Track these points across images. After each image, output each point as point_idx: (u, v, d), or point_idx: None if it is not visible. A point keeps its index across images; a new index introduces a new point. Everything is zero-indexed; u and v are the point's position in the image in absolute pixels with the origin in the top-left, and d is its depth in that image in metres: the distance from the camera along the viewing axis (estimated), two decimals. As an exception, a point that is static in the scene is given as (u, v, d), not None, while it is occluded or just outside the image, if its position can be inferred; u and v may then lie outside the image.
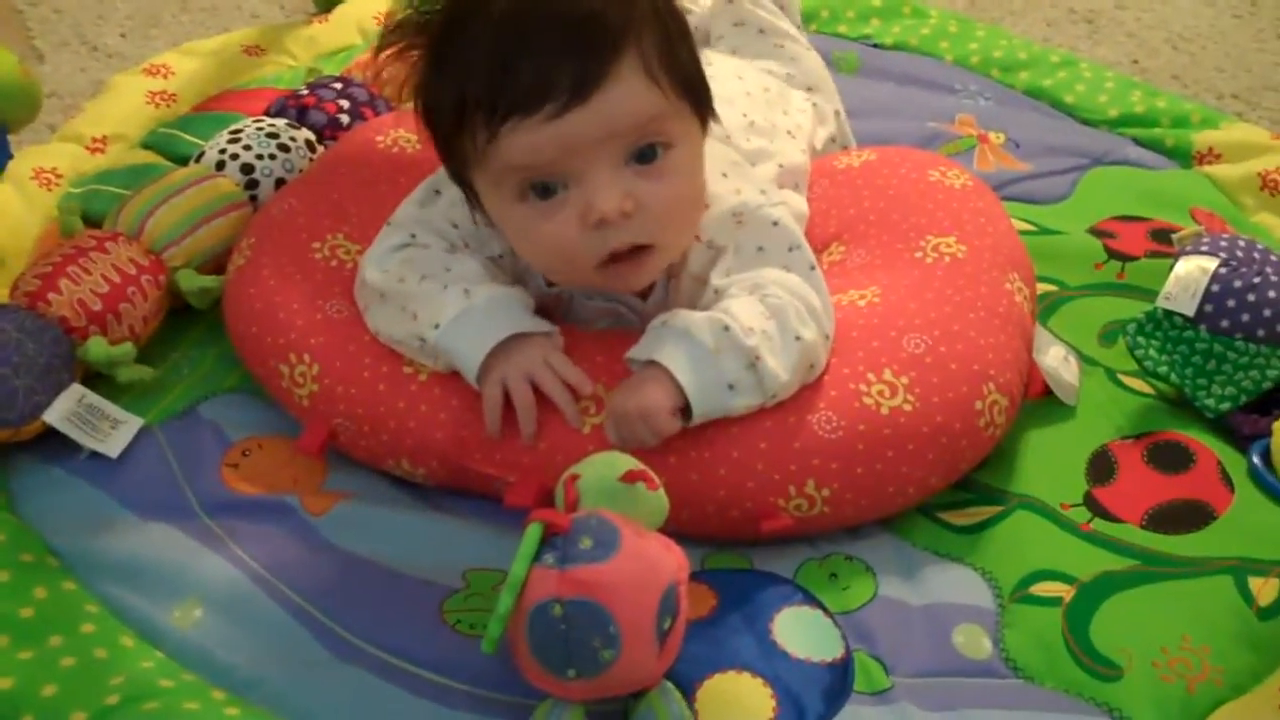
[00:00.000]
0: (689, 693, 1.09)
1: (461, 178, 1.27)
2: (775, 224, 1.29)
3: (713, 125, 1.29)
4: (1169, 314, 1.39)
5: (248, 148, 1.59)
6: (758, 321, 1.21)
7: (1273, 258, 1.39)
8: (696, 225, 1.28)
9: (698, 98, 1.24)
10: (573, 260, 1.22)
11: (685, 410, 1.19)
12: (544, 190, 1.19)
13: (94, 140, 1.76)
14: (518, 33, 1.15)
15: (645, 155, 1.19)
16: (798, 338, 1.22)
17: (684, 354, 1.19)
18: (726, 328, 1.19)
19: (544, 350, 1.25)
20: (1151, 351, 1.38)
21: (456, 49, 1.19)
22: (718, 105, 1.29)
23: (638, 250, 1.21)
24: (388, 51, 1.27)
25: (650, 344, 1.21)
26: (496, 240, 1.33)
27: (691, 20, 1.38)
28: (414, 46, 1.26)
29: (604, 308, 1.34)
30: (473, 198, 1.28)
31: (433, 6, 1.25)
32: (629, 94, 1.16)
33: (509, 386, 1.23)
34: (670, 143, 1.20)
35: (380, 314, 1.30)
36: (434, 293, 1.27)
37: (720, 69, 1.53)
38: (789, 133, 1.54)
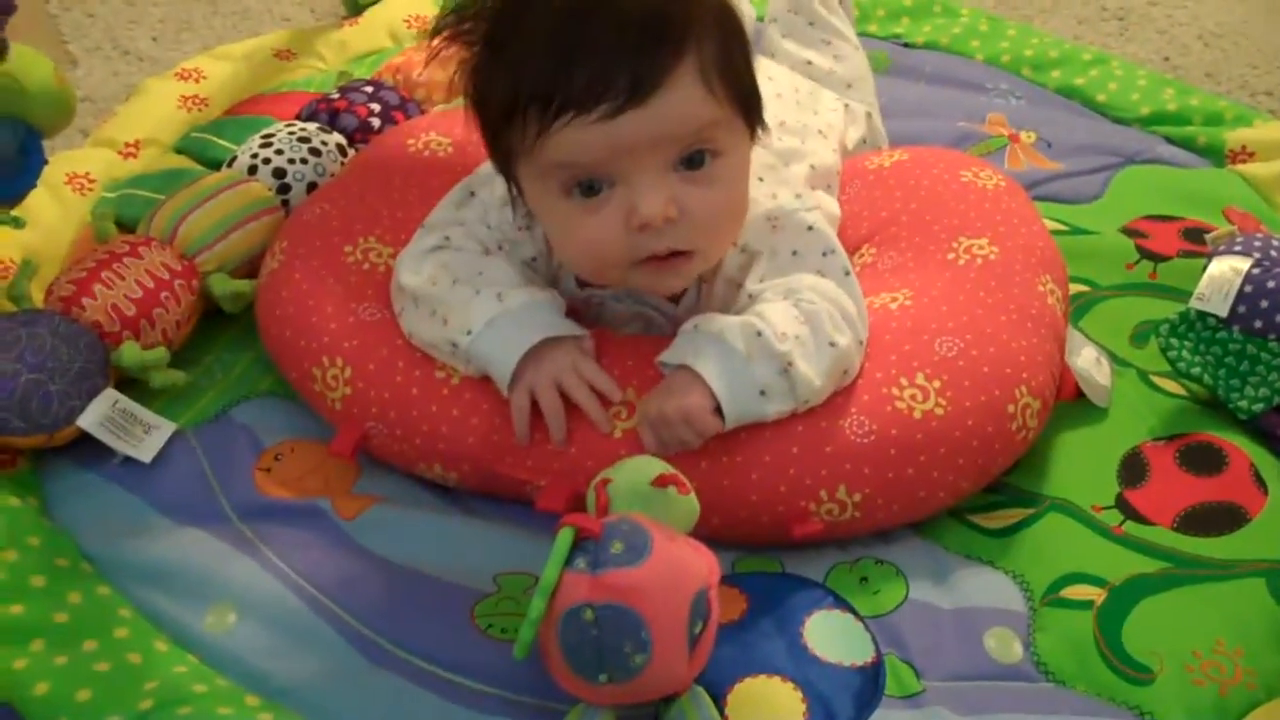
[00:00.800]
0: (719, 697, 1.09)
1: (506, 168, 1.26)
2: (810, 228, 1.29)
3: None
4: (1202, 315, 1.38)
5: (279, 152, 1.59)
6: (791, 327, 1.21)
7: (1306, 258, 1.38)
8: (736, 234, 1.28)
9: (749, 107, 1.24)
10: (610, 260, 1.22)
11: (718, 414, 1.19)
12: (589, 188, 1.19)
13: (127, 145, 1.77)
14: (578, 28, 1.14)
15: (693, 161, 1.19)
16: (832, 344, 1.21)
17: (716, 359, 1.19)
18: (759, 333, 1.19)
19: (573, 356, 1.25)
20: (1184, 352, 1.38)
21: (514, 39, 1.18)
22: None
23: (675, 255, 1.21)
24: (442, 35, 1.25)
25: (682, 348, 1.21)
26: (530, 243, 1.33)
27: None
28: (470, 33, 1.24)
29: (635, 311, 1.35)
30: (515, 190, 1.27)
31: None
32: (684, 99, 1.15)
33: (537, 394, 1.23)
34: (719, 151, 1.20)
35: (414, 318, 1.31)
36: (467, 298, 1.27)
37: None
38: (820, 132, 1.54)
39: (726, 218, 1.24)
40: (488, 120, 1.24)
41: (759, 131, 1.27)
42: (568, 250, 1.26)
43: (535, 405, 1.24)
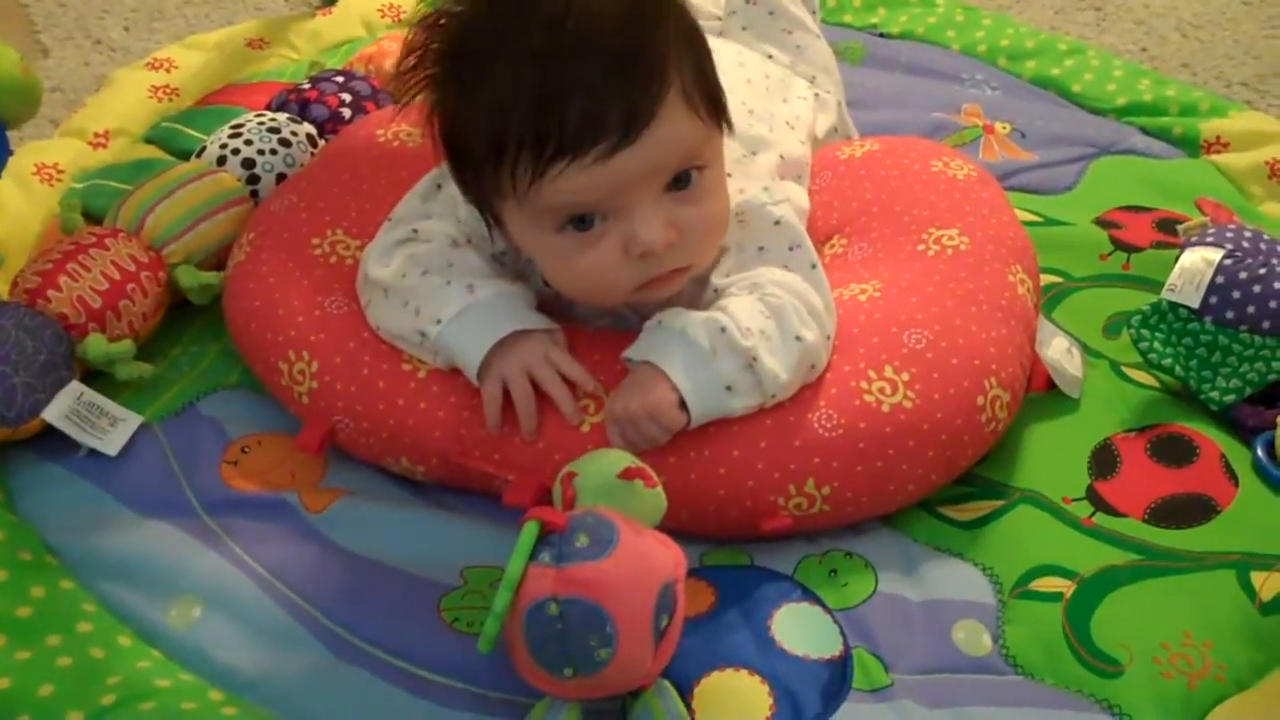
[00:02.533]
0: (686, 690, 1.09)
1: (486, 206, 1.24)
2: (777, 223, 1.29)
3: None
4: (1174, 306, 1.38)
5: (249, 142, 1.59)
6: (756, 321, 1.20)
7: (1279, 248, 1.38)
8: (723, 236, 1.27)
9: (720, 110, 1.23)
10: (611, 288, 1.21)
11: (684, 409, 1.18)
12: (581, 221, 1.17)
13: (96, 135, 1.77)
14: (561, 69, 1.12)
15: (681, 180, 1.18)
16: (798, 338, 1.21)
17: (680, 356, 1.18)
18: (723, 329, 1.19)
19: (545, 346, 1.24)
20: (1156, 344, 1.37)
21: (489, 80, 1.15)
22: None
23: (675, 271, 1.21)
24: (409, 79, 1.22)
25: (647, 344, 1.21)
26: (499, 236, 1.32)
27: None
28: (437, 74, 1.21)
29: (603, 307, 1.34)
30: (492, 222, 1.26)
31: (443, 35, 1.20)
32: (674, 128, 1.15)
33: (508, 382, 1.22)
34: (704, 165, 1.20)
35: (382, 309, 1.30)
36: (437, 288, 1.27)
37: (723, 56, 1.52)
38: (788, 123, 1.53)
39: (719, 224, 1.24)
40: (466, 162, 1.21)
41: (728, 129, 1.26)
42: (566, 281, 1.25)
43: (506, 396, 1.23)
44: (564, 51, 1.12)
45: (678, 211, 1.18)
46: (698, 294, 1.29)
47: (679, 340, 1.19)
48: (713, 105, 1.20)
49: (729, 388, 1.18)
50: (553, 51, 1.12)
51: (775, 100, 1.54)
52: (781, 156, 1.45)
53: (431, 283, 1.27)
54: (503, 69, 1.14)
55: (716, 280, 1.27)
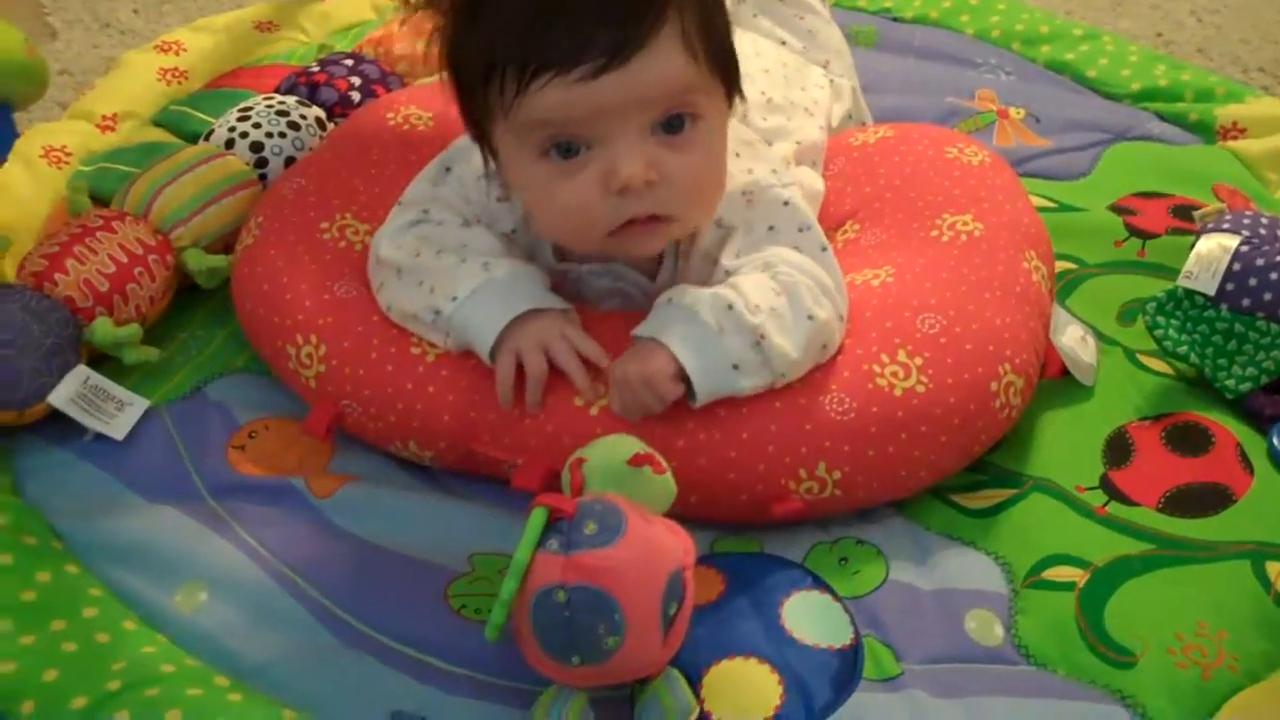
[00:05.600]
0: (695, 679, 1.08)
1: (481, 132, 1.25)
2: (786, 204, 1.28)
3: (732, 103, 1.28)
4: (1189, 293, 1.36)
5: (257, 125, 1.58)
6: (766, 299, 1.20)
7: (1296, 235, 1.37)
8: (716, 202, 1.26)
9: (728, 74, 1.23)
10: (588, 223, 1.20)
11: (689, 388, 1.18)
12: (566, 149, 1.17)
13: (105, 118, 1.75)
14: None
15: (673, 125, 1.18)
16: (810, 316, 1.20)
17: (687, 333, 1.18)
18: (730, 305, 1.18)
19: (560, 324, 1.24)
20: (1171, 331, 1.36)
21: (491, 2, 1.17)
22: (737, 83, 1.28)
23: (654, 219, 1.20)
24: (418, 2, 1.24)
25: (654, 322, 1.21)
26: (509, 215, 1.32)
27: None
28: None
29: (612, 287, 1.33)
30: (490, 155, 1.26)
31: None
32: (665, 62, 1.14)
33: (523, 356, 1.22)
34: (698, 115, 1.19)
35: (395, 289, 1.29)
36: (452, 266, 1.26)
37: (740, 45, 1.51)
38: (806, 110, 1.52)
39: (706, 182, 1.23)
40: (463, 83, 1.22)
41: (738, 101, 1.25)
42: (546, 214, 1.24)
43: (518, 374, 1.22)
44: None
45: (663, 155, 1.17)
46: (708, 274, 1.28)
47: (686, 317, 1.19)
48: (717, 59, 1.20)
49: (736, 366, 1.18)
50: None
51: (794, 88, 1.54)
52: (798, 143, 1.45)
53: (446, 261, 1.27)
54: None
55: (727, 261, 1.26)
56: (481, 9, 1.18)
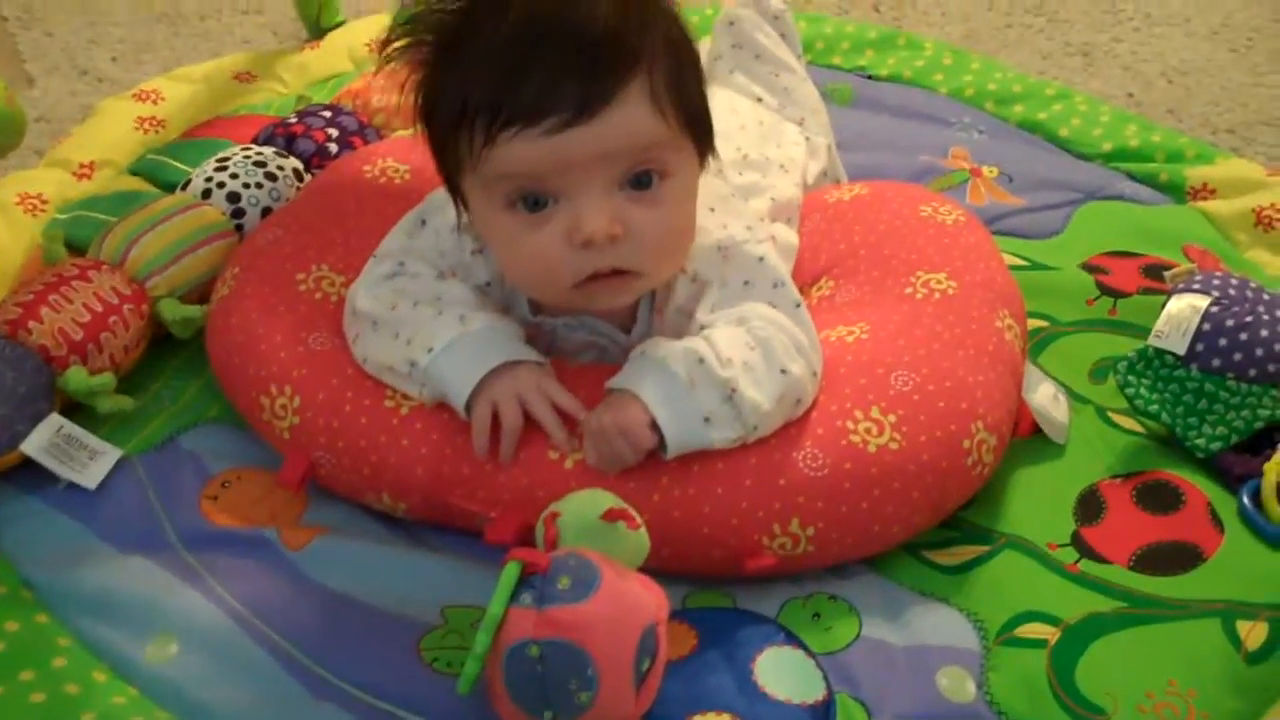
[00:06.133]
0: (668, 735, 1.07)
1: (452, 182, 1.26)
2: (761, 260, 1.29)
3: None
4: (1160, 352, 1.37)
5: (234, 176, 1.58)
6: (739, 352, 1.20)
7: (1265, 296, 1.38)
8: (683, 258, 1.27)
9: (700, 132, 1.24)
10: (552, 276, 1.21)
11: (661, 440, 1.18)
12: (534, 202, 1.18)
13: (81, 166, 1.76)
14: (532, 44, 1.14)
15: (640, 181, 1.19)
16: (784, 370, 1.21)
17: (658, 385, 1.18)
18: (702, 359, 1.19)
19: (537, 376, 1.24)
20: (1142, 390, 1.37)
21: (466, 53, 1.18)
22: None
23: (619, 274, 1.21)
24: (396, 44, 1.25)
25: (627, 374, 1.21)
26: (484, 268, 1.32)
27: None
28: (423, 42, 1.23)
29: (587, 340, 1.34)
30: (463, 207, 1.27)
31: (446, 4, 1.23)
32: (632, 118, 1.15)
33: (499, 406, 1.22)
34: (666, 172, 1.20)
35: (371, 341, 1.29)
36: (428, 318, 1.26)
37: (715, 102, 1.52)
38: (782, 166, 1.54)
39: (672, 239, 1.23)
40: (435, 131, 1.23)
41: (710, 158, 1.27)
42: (512, 266, 1.26)
43: (493, 425, 1.23)
44: (539, 30, 1.15)
45: (630, 210, 1.18)
46: (683, 329, 1.28)
47: (657, 370, 1.19)
48: (687, 117, 1.21)
49: (707, 419, 1.18)
50: (526, 32, 1.15)
51: (769, 145, 1.55)
52: (773, 199, 1.46)
53: (423, 313, 1.27)
54: (479, 43, 1.17)
55: (702, 316, 1.26)
56: (453, 61, 1.19)
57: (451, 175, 1.25)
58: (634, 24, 1.16)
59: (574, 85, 1.13)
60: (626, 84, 1.15)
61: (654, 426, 1.18)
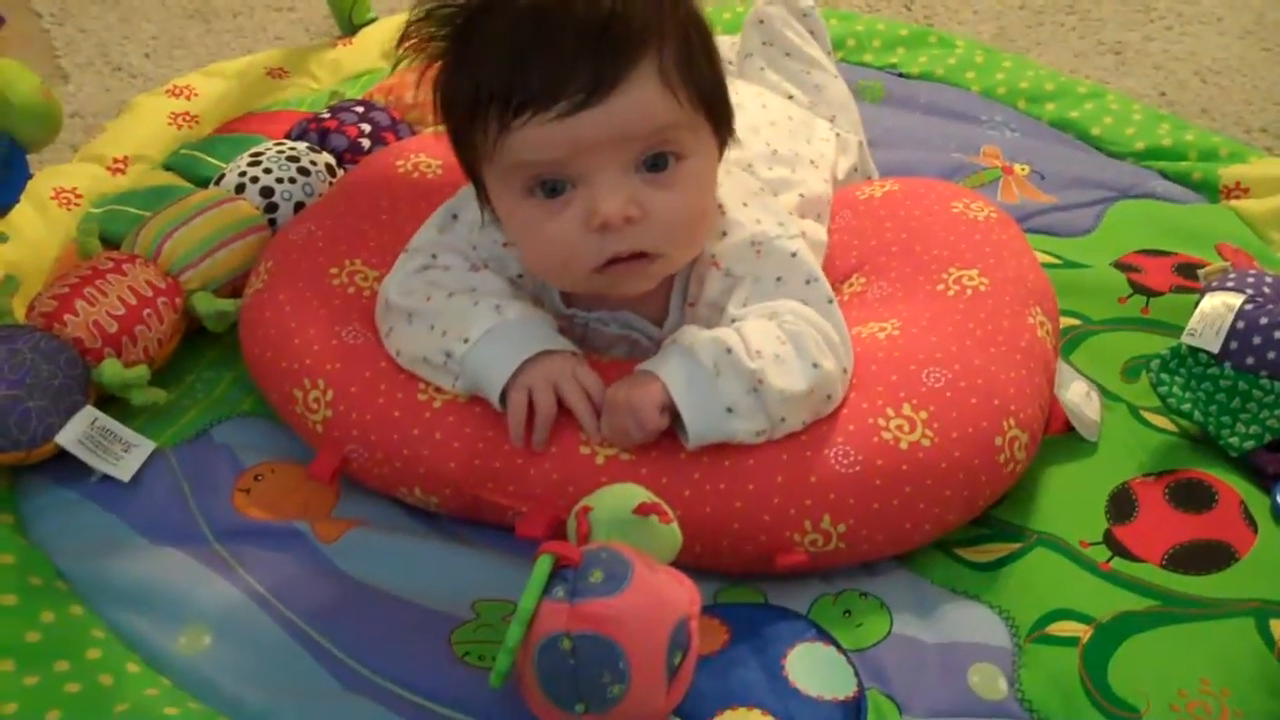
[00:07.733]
0: (699, 730, 1.08)
1: (473, 173, 1.27)
2: (794, 255, 1.29)
3: (735, 154, 1.29)
4: (1193, 350, 1.37)
5: (268, 171, 1.59)
6: (769, 345, 1.20)
7: (1300, 294, 1.37)
8: (702, 240, 1.28)
9: (716, 113, 1.24)
10: (572, 261, 1.21)
11: (683, 427, 1.19)
12: (551, 189, 1.19)
13: (115, 161, 1.77)
14: (537, 28, 1.15)
15: (656, 163, 1.19)
16: (815, 365, 1.21)
17: (681, 370, 1.19)
18: (729, 349, 1.19)
19: (572, 364, 1.25)
20: (1175, 388, 1.37)
21: (477, 42, 1.19)
22: (742, 134, 1.28)
23: (638, 256, 1.21)
24: (409, 41, 1.25)
25: (655, 359, 1.22)
26: (515, 261, 1.33)
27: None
28: (437, 38, 1.24)
29: (619, 334, 1.34)
30: (483, 195, 1.28)
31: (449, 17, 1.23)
32: (643, 99, 1.16)
33: (534, 393, 1.22)
34: (682, 154, 1.20)
35: (405, 334, 1.30)
36: (464, 308, 1.27)
37: (745, 97, 1.53)
38: (812, 162, 1.53)
39: (691, 220, 1.24)
40: (453, 124, 1.24)
41: (735, 147, 1.27)
42: (532, 253, 1.26)
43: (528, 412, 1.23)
44: (546, 15, 1.15)
45: (646, 192, 1.19)
46: (715, 323, 1.28)
47: (682, 356, 1.20)
48: (700, 96, 1.21)
49: (730, 409, 1.18)
50: (534, 17, 1.15)
51: (799, 141, 1.55)
52: (802, 195, 1.45)
53: (458, 304, 1.28)
54: (489, 32, 1.18)
55: (734, 310, 1.27)
56: (465, 53, 1.21)
57: (472, 168, 1.26)
58: (642, 4, 1.17)
59: (583, 68, 1.14)
60: (636, 65, 1.15)
61: (666, 409, 1.18)
